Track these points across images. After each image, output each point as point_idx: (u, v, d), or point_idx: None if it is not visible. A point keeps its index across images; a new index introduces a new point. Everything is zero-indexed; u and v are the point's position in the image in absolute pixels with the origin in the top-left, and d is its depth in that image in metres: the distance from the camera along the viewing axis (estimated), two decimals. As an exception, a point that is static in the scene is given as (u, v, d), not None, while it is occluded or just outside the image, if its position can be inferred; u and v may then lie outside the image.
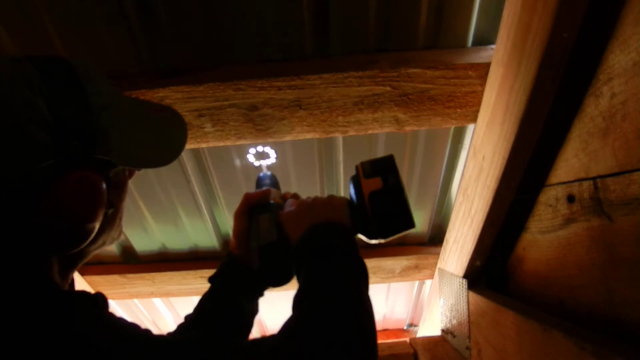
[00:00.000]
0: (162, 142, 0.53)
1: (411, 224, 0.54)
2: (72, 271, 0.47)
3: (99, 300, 0.40)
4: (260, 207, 0.66)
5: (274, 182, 0.77)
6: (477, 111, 0.79)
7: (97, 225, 0.43)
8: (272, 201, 0.67)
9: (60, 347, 0.31)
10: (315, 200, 0.58)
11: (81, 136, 0.41)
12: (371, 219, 0.54)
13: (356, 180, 0.59)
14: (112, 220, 0.48)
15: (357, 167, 0.59)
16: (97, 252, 0.49)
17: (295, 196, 0.69)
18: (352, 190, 0.60)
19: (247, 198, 0.66)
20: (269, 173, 0.79)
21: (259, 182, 0.77)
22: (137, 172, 0.55)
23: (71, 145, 0.40)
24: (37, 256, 0.41)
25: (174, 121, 0.56)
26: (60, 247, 0.41)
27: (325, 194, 1.09)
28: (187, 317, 0.63)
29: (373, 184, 0.56)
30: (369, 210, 0.54)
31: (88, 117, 0.42)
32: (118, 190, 0.49)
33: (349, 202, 0.59)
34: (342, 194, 1.09)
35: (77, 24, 0.74)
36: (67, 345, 0.31)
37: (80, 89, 0.42)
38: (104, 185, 0.42)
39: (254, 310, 0.66)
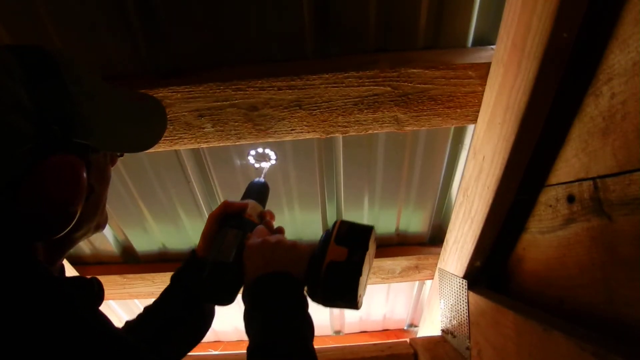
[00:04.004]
0: (142, 128, 0.55)
1: (354, 306, 0.55)
2: (59, 258, 0.48)
3: (94, 286, 0.40)
4: (233, 219, 0.66)
5: (262, 195, 0.76)
6: (477, 111, 0.79)
7: (78, 210, 0.42)
8: (247, 217, 0.67)
9: (52, 331, 0.31)
10: (280, 244, 0.58)
11: (61, 122, 0.41)
12: (320, 284, 0.55)
13: (327, 238, 0.58)
14: (94, 206, 0.49)
15: (335, 224, 0.59)
16: (83, 239, 0.50)
17: (268, 224, 0.68)
18: (320, 242, 0.59)
19: (225, 206, 0.67)
20: (262, 181, 0.78)
21: (248, 190, 0.77)
22: (119, 158, 0.56)
23: (50, 130, 0.40)
24: (20, 242, 0.41)
25: (154, 107, 0.58)
26: (43, 233, 0.41)
27: (326, 194, 1.10)
28: (146, 310, 0.63)
29: (338, 253, 0.56)
30: (322, 276, 0.55)
31: (67, 104, 0.43)
32: (99, 175, 0.49)
33: (311, 256, 0.58)
34: (341, 194, 1.09)
35: (77, 24, 0.74)
36: (60, 328, 0.32)
37: (59, 78, 0.43)
38: (84, 169, 0.42)
39: (206, 314, 0.66)
